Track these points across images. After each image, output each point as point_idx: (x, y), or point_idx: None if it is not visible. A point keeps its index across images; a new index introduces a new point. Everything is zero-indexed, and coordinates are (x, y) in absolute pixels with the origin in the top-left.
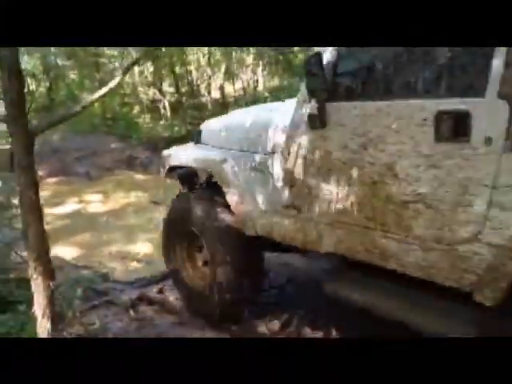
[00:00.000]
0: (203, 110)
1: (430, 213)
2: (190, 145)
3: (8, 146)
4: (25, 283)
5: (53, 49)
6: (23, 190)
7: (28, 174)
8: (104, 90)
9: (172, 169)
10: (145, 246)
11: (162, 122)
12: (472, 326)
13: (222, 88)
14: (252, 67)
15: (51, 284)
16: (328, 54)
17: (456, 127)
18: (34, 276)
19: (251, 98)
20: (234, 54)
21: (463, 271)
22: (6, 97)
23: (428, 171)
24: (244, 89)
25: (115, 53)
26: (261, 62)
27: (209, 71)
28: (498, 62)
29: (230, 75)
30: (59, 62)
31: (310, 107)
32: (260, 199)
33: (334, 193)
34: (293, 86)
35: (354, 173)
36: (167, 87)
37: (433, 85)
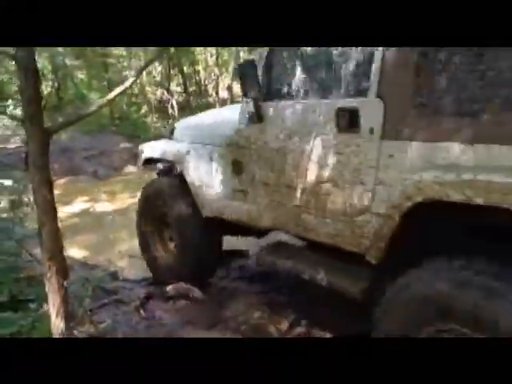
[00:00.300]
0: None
1: (336, 191)
2: (164, 140)
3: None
4: (36, 281)
5: (60, 49)
6: (37, 189)
7: (43, 174)
8: (120, 88)
9: (148, 161)
10: None
11: (170, 122)
12: (365, 281)
13: (229, 88)
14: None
15: (65, 283)
16: (260, 61)
17: (350, 121)
18: (48, 275)
19: None
20: (242, 54)
21: (360, 237)
22: (23, 96)
23: (334, 157)
24: None
25: (123, 53)
26: None
27: (216, 71)
28: (376, 67)
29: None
30: (67, 61)
31: (250, 106)
32: (215, 185)
33: (270, 177)
34: None
35: (284, 160)
36: (175, 87)
37: (336, 87)
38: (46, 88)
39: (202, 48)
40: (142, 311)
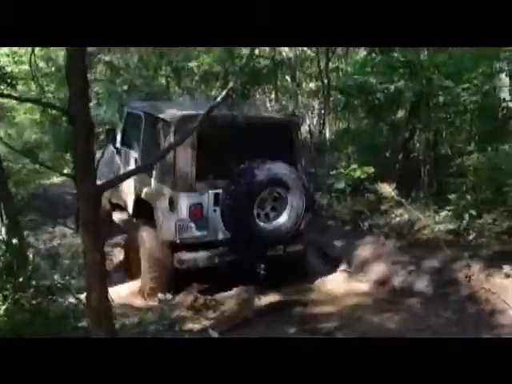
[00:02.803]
0: None
1: None
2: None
3: None
4: None
5: None
6: (87, 251)
7: (93, 233)
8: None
9: None
10: None
11: None
12: None
13: None
14: (318, 111)
15: None
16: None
17: None
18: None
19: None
20: (300, 97)
21: None
22: (76, 151)
23: None
24: (310, 132)
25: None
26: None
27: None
28: None
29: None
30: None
31: None
32: None
33: None
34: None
35: None
36: None
37: None
38: None
39: (260, 93)
40: None
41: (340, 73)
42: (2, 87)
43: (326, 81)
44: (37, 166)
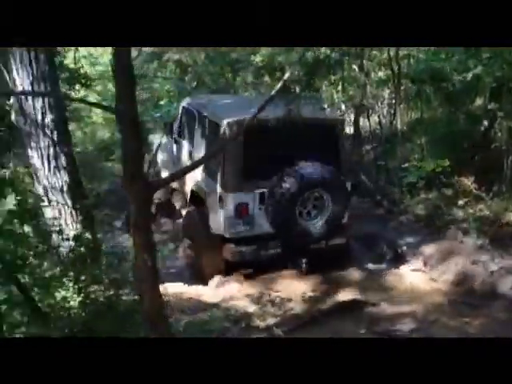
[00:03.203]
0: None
1: None
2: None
3: None
4: None
5: None
6: (138, 253)
7: (144, 236)
8: None
9: None
10: None
11: None
12: None
13: (356, 122)
14: (388, 101)
15: None
16: None
17: None
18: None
19: (388, 132)
20: (368, 87)
21: None
22: (124, 151)
23: None
24: (380, 123)
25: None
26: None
27: (343, 107)
28: None
29: (364, 109)
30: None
31: None
32: None
33: None
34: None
35: None
36: None
37: None
38: None
39: (327, 85)
40: None
41: (411, 60)
42: (78, 88)
43: (396, 69)
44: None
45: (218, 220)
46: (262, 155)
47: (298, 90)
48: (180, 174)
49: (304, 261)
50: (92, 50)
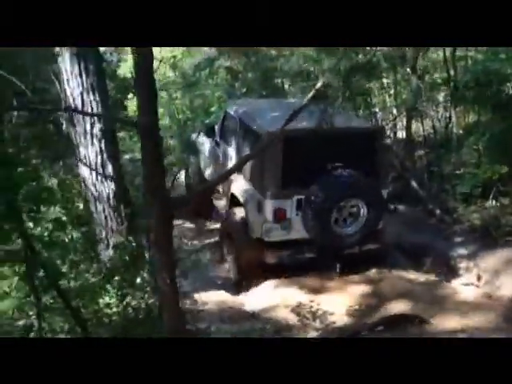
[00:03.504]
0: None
1: None
2: None
3: None
4: None
5: None
6: (159, 269)
7: (165, 252)
8: None
9: None
10: None
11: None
12: None
13: (409, 127)
14: (443, 104)
15: None
16: None
17: None
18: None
19: (443, 137)
20: (422, 91)
21: None
22: (145, 166)
23: None
24: (434, 127)
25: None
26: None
27: (395, 111)
28: None
29: (417, 113)
30: None
31: None
32: None
33: None
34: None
35: None
36: None
37: None
38: None
39: (380, 89)
40: None
41: (469, 61)
42: (130, 96)
43: (452, 71)
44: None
45: (257, 225)
46: (300, 163)
47: (340, 96)
48: (210, 184)
49: (338, 266)
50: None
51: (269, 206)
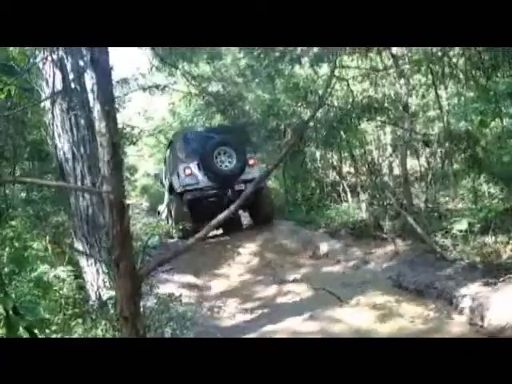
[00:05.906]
0: (385, 189)
1: None
2: None
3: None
4: None
5: None
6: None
7: (132, 327)
8: None
9: None
10: None
11: (343, 206)
12: None
13: (404, 165)
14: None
15: None
16: None
17: None
18: None
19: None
20: (416, 126)
21: None
22: (111, 235)
23: None
24: (428, 164)
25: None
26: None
27: (390, 149)
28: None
29: (412, 150)
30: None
31: None
32: None
33: None
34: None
35: None
36: (347, 168)
37: None
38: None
39: (374, 127)
40: None
41: (462, 99)
42: (128, 142)
43: (445, 110)
44: None
45: (177, 182)
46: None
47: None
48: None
49: (229, 194)
50: (146, 105)
51: (181, 167)
